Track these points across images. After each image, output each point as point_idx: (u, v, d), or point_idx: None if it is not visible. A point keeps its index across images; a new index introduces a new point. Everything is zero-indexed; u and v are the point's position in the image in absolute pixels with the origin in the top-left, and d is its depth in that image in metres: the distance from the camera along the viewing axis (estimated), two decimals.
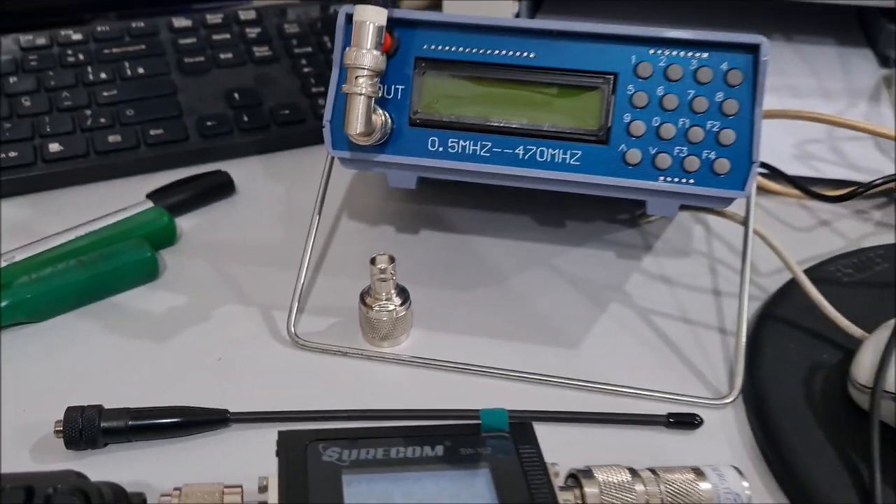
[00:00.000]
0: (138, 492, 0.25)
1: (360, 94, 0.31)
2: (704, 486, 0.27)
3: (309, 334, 0.36)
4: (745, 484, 0.27)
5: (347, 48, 0.32)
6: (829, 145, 0.48)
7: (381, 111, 0.33)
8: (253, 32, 0.53)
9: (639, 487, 0.26)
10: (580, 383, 0.34)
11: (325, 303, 0.38)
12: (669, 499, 0.26)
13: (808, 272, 0.38)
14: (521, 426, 0.27)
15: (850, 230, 0.43)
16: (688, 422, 0.32)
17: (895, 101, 0.51)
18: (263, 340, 0.36)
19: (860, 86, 0.54)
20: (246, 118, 0.48)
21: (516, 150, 0.34)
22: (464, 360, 0.35)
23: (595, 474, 0.26)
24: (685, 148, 0.33)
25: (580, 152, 0.34)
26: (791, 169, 0.45)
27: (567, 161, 0.34)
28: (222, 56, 0.51)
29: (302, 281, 0.37)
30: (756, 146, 0.32)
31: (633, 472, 0.27)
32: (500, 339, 0.37)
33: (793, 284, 0.37)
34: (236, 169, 0.46)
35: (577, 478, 0.26)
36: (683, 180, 0.33)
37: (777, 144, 0.48)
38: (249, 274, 0.40)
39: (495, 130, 0.34)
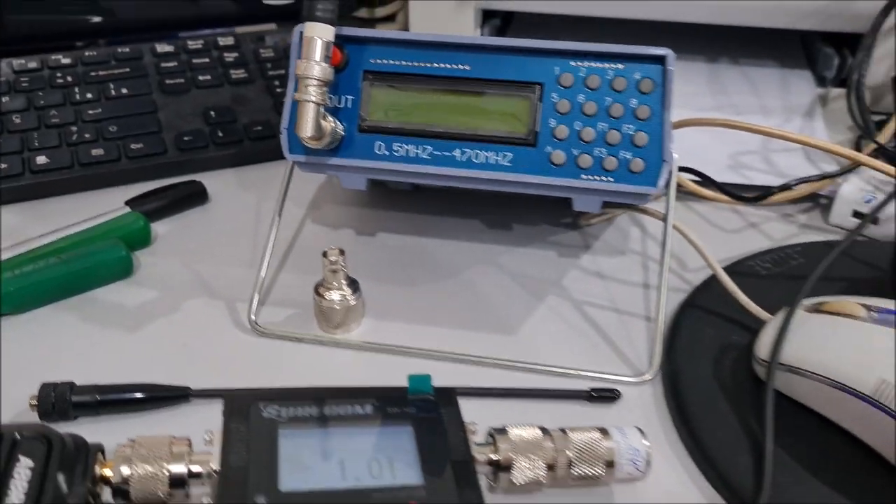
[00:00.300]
0: (97, 442, 0.28)
1: (309, 101, 0.35)
2: (608, 443, 0.30)
3: (268, 323, 0.40)
4: (646, 442, 0.30)
5: (298, 60, 0.35)
6: (762, 156, 0.52)
7: (330, 118, 0.37)
8: (231, 56, 0.58)
9: (548, 444, 0.29)
10: (515, 364, 0.37)
11: (286, 296, 0.42)
12: (576, 454, 0.29)
13: (729, 267, 0.42)
14: (444, 390, 0.30)
15: (776, 231, 0.47)
16: (607, 396, 0.35)
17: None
18: (226, 329, 0.40)
19: (797, 103, 0.58)
20: (221, 133, 0.52)
21: (454, 153, 0.38)
22: (409, 345, 0.38)
23: (509, 431, 0.29)
24: (604, 149, 0.36)
25: (511, 154, 0.37)
26: (723, 177, 0.49)
27: (500, 162, 0.37)
28: (201, 78, 0.55)
29: (262, 274, 0.40)
30: (666, 147, 0.36)
31: (544, 430, 0.30)
32: (444, 327, 0.40)
33: (714, 278, 0.40)
34: (211, 180, 0.50)
35: (493, 435, 0.30)
36: (603, 178, 0.37)
37: (713, 155, 0.51)
38: (217, 273, 0.43)
39: (435, 135, 0.38)
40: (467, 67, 0.37)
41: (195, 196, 0.48)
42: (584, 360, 0.38)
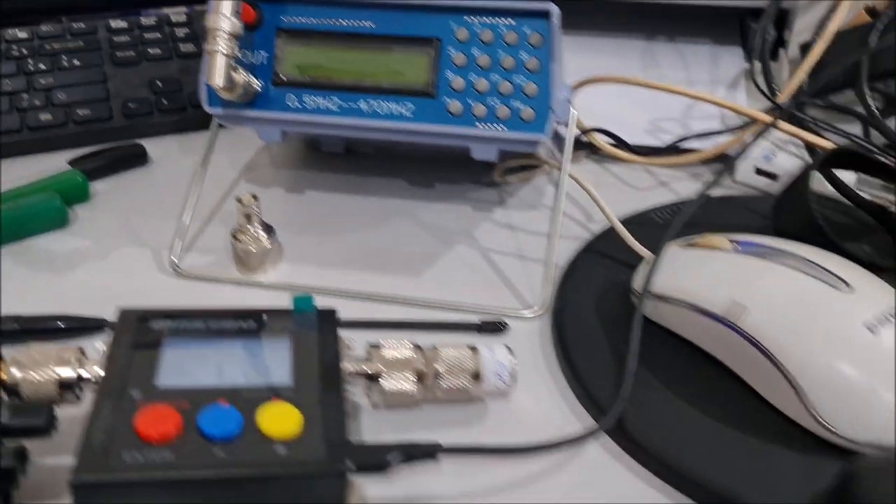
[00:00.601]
0: None
1: (218, 52, 0.38)
2: (475, 357, 0.32)
3: (190, 266, 0.42)
4: (512, 358, 0.32)
5: (208, 13, 0.38)
6: (681, 123, 0.54)
7: (243, 72, 0.39)
8: (182, 32, 0.60)
9: (418, 357, 0.32)
10: (416, 301, 0.40)
11: (210, 245, 0.44)
12: (445, 367, 0.32)
13: (630, 218, 0.44)
14: (325, 310, 0.32)
15: (685, 189, 0.49)
16: (495, 327, 0.38)
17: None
18: (150, 273, 0.42)
19: (724, 76, 0.60)
20: (165, 101, 0.54)
21: (360, 105, 0.40)
22: (321, 285, 0.41)
23: (383, 346, 0.32)
24: (497, 99, 0.39)
25: (412, 105, 0.40)
26: (641, 139, 0.51)
27: (402, 113, 0.40)
28: (151, 51, 0.58)
29: (185, 219, 0.43)
30: (553, 97, 0.38)
31: (417, 347, 0.32)
32: (356, 271, 0.42)
33: (613, 227, 0.43)
34: (154, 145, 0.52)
35: (369, 350, 0.32)
36: (497, 126, 0.39)
37: (634, 120, 0.54)
38: (148, 226, 0.46)
39: (343, 88, 0.40)
40: (372, 25, 0.40)
41: (135, 157, 0.50)
42: (482, 299, 0.40)
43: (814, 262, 0.33)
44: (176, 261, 0.42)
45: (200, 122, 0.55)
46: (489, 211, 0.47)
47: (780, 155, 0.47)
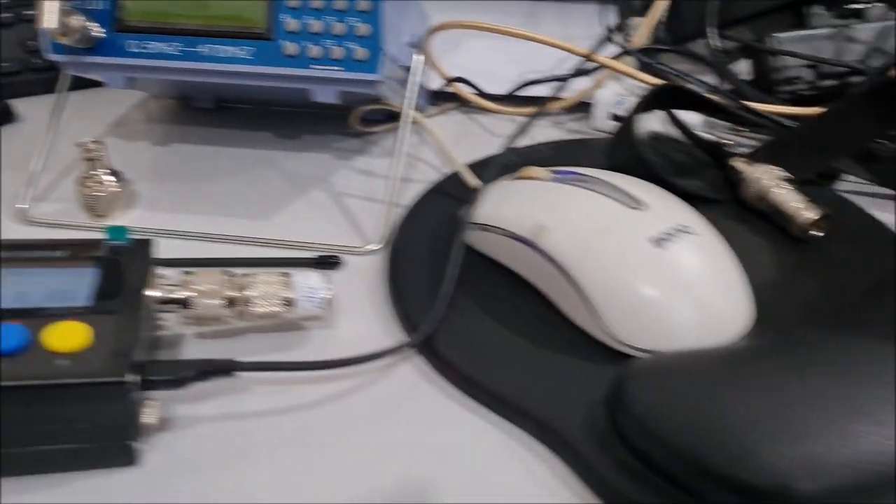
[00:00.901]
0: None
1: None
2: (286, 282, 0.33)
3: (40, 214, 0.42)
4: (326, 284, 0.33)
5: None
6: (549, 75, 0.55)
7: (80, 17, 0.40)
8: None
9: (231, 282, 0.33)
10: (258, 240, 0.41)
11: (65, 195, 0.44)
12: (257, 292, 0.32)
13: (481, 160, 0.45)
14: (140, 240, 0.33)
15: (545, 136, 0.50)
16: (330, 262, 0.39)
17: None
18: None
19: (597, 32, 0.61)
20: (37, 61, 0.54)
21: (200, 49, 0.41)
22: (168, 228, 0.41)
23: (196, 272, 0.33)
24: (332, 41, 0.40)
25: (251, 48, 0.40)
26: (505, 90, 0.53)
27: (241, 56, 0.40)
28: (26, 12, 0.58)
29: (34, 167, 0.43)
30: (384, 37, 0.39)
31: (229, 273, 0.33)
32: (207, 216, 0.43)
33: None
34: (25, 104, 0.52)
35: (183, 277, 0.33)
36: (333, 68, 0.40)
37: (503, 72, 0.55)
38: (7, 179, 0.46)
39: (183, 32, 0.41)
40: None
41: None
42: (328, 238, 0.41)
43: (615, 186, 0.34)
44: (24, 208, 0.42)
45: (73, 81, 0.55)
46: (350, 159, 0.48)
47: (631, 100, 0.49)
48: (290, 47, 0.40)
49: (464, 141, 0.47)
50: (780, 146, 0.41)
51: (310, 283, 0.33)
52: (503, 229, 0.35)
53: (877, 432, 0.26)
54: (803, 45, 0.49)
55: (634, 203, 0.33)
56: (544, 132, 0.51)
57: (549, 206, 0.34)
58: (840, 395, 0.27)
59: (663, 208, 0.33)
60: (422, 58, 0.43)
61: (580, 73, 0.48)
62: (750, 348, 0.29)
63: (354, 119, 0.48)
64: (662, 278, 0.31)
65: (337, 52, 0.40)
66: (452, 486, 0.29)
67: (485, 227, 0.36)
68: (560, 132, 0.51)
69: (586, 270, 0.32)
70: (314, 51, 0.40)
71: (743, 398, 0.27)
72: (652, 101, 0.41)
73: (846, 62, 0.47)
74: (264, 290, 0.33)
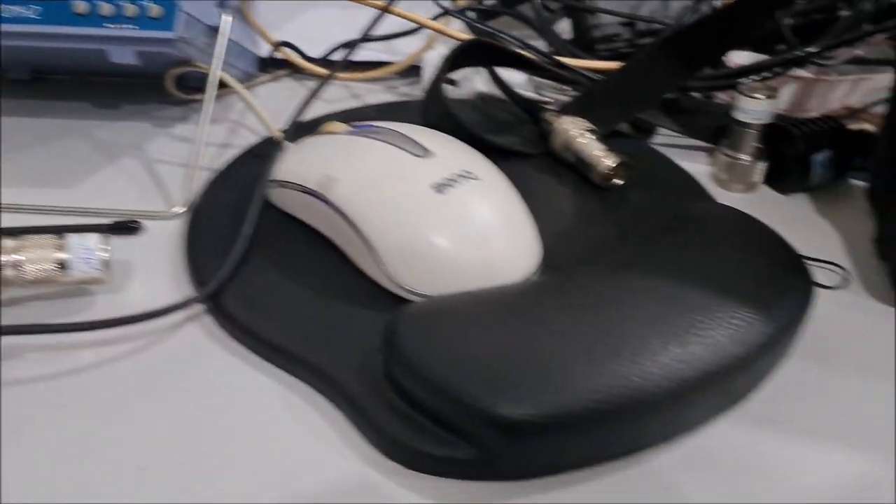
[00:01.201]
0: None
1: None
2: (60, 244, 0.31)
3: None
4: (105, 247, 0.32)
5: None
6: (385, 43, 0.55)
7: None
8: None
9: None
10: (62, 209, 0.39)
11: None
12: (27, 255, 0.31)
13: (304, 124, 0.44)
14: None
15: (376, 100, 0.50)
16: (128, 227, 0.37)
17: None
18: None
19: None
20: None
21: None
22: None
23: None
24: None
25: (39, 7, 0.39)
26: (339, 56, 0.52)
27: (29, 16, 0.39)
28: None
29: None
30: None
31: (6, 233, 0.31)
32: (9, 186, 0.41)
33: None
34: None
35: None
36: (127, 26, 0.38)
37: (336, 38, 0.54)
38: None
39: None
40: None
41: None
42: (133, 205, 0.39)
43: (406, 136, 0.34)
44: None
45: None
46: (169, 127, 0.47)
47: None
48: (81, 6, 0.38)
49: (291, 107, 0.46)
50: (587, 99, 0.42)
51: (86, 244, 0.32)
52: (296, 184, 0.34)
53: (625, 363, 0.26)
54: (620, 4, 0.50)
55: (421, 151, 0.33)
56: (377, 96, 0.51)
57: (339, 159, 0.34)
58: (597, 328, 0.27)
59: (449, 156, 0.33)
60: (230, 19, 0.42)
61: (398, 35, 0.48)
62: (520, 288, 0.30)
63: (170, 84, 0.47)
64: (442, 223, 0.31)
65: (130, 9, 0.38)
66: (227, 442, 0.28)
67: (283, 184, 0.35)
68: (392, 96, 0.51)
69: (370, 218, 0.31)
70: (106, 9, 0.38)
71: (502, 334, 0.27)
72: (459, 57, 0.41)
73: (659, 19, 0.48)
74: (35, 254, 0.31)
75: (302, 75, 0.53)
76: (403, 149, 0.33)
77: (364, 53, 0.53)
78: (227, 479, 0.27)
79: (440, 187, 0.32)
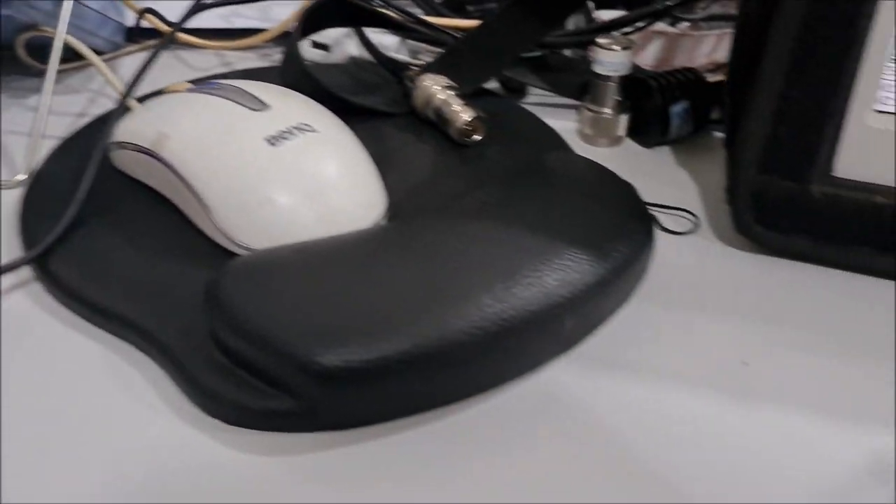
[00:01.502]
0: None
1: None
2: None
3: None
4: None
5: None
6: (261, 11, 0.54)
7: None
8: None
9: None
10: None
11: None
12: None
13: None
14: None
15: (245, 66, 0.49)
16: None
17: None
18: None
19: None
20: None
21: None
22: None
23: None
24: None
25: None
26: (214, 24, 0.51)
27: None
28: None
29: None
30: None
31: None
32: None
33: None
34: None
35: None
36: None
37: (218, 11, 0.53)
38: None
39: None
40: None
41: None
42: None
43: (244, 91, 0.33)
44: None
45: None
46: (24, 98, 0.45)
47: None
48: None
49: (157, 76, 0.45)
50: (450, 58, 0.41)
51: None
52: (132, 143, 0.33)
53: (445, 307, 0.26)
54: None
55: (258, 105, 0.32)
56: (251, 63, 0.49)
57: (174, 116, 0.32)
58: (424, 274, 0.27)
59: (286, 110, 0.32)
60: None
61: None
62: (353, 237, 0.29)
63: (21, 51, 0.44)
64: (274, 175, 0.30)
65: None
66: (48, 408, 0.26)
67: (121, 145, 0.34)
68: (265, 62, 0.49)
69: (200, 173, 0.30)
70: None
71: (326, 284, 0.26)
72: (313, 16, 0.40)
73: None
74: None
75: (177, 46, 0.51)
76: (239, 103, 0.32)
77: (239, 21, 0.52)
78: (47, 446, 0.25)
79: (274, 139, 0.31)
